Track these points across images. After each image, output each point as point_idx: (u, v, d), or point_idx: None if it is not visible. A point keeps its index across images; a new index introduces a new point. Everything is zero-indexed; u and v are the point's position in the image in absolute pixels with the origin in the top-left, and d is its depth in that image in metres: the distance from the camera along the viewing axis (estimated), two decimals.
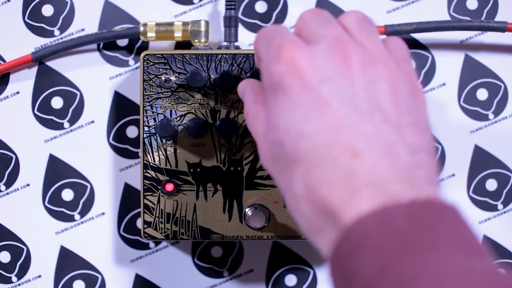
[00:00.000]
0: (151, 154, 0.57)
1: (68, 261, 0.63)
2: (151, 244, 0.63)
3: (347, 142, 0.38)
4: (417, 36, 0.62)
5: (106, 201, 0.63)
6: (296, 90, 0.40)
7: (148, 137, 0.57)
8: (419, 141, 0.40)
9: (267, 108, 0.43)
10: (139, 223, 0.63)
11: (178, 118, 0.57)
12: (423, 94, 0.43)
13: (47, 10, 0.62)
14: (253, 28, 0.63)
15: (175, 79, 0.57)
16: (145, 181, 0.57)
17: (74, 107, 0.63)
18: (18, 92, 0.63)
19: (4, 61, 0.62)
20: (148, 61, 0.57)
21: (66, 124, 0.63)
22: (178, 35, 0.59)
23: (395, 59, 0.43)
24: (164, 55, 0.57)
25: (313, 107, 0.39)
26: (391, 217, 0.36)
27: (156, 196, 0.57)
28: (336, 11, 0.62)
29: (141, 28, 0.59)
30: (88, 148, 0.63)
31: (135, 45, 0.63)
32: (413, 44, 0.63)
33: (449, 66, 0.63)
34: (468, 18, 0.62)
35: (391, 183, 0.37)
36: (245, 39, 0.62)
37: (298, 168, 0.39)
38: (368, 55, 0.41)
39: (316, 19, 0.43)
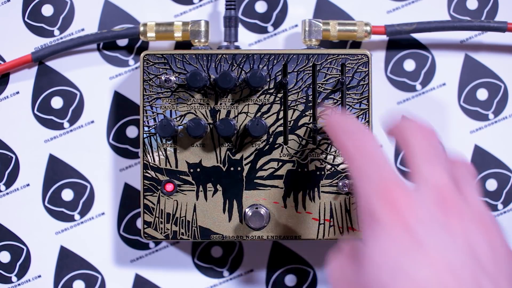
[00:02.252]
0: (151, 154, 0.57)
1: (68, 261, 0.63)
2: (151, 244, 0.63)
3: (444, 281, 0.39)
4: (417, 36, 0.62)
5: (106, 201, 0.63)
6: (398, 230, 0.41)
7: (148, 137, 0.57)
8: None
9: (363, 240, 0.43)
10: (139, 223, 0.63)
11: (178, 118, 0.57)
12: None
13: (47, 10, 0.62)
14: (253, 28, 0.63)
15: (175, 79, 0.57)
16: (145, 181, 0.57)
17: (74, 107, 0.63)
18: (18, 92, 0.63)
19: (4, 61, 0.62)
20: (148, 61, 0.57)
21: (66, 124, 0.63)
22: (178, 35, 0.59)
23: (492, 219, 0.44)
24: (164, 55, 0.57)
25: (413, 246, 0.41)
26: None
27: (156, 196, 0.57)
28: (336, 11, 0.62)
29: (141, 28, 0.59)
30: (88, 148, 0.63)
31: (135, 45, 0.63)
32: (413, 44, 0.62)
33: (449, 66, 0.63)
34: (468, 18, 0.62)
35: None
36: (245, 39, 0.62)
37: None
38: (468, 210, 0.43)
39: (426, 152, 0.45)
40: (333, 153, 0.57)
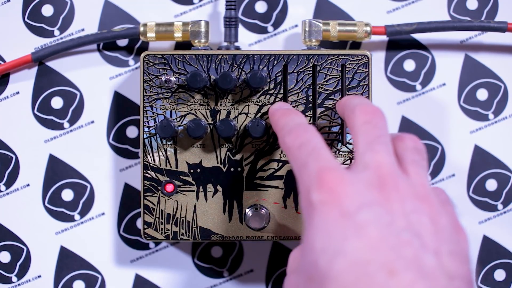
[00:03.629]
0: (151, 155, 0.57)
1: (68, 261, 0.63)
2: (151, 244, 0.63)
3: (384, 260, 0.39)
4: (417, 36, 0.62)
5: (106, 201, 0.63)
6: (335, 215, 0.41)
7: (148, 138, 0.57)
8: (457, 269, 0.41)
9: (303, 230, 0.43)
10: (139, 223, 0.63)
11: (178, 119, 0.57)
12: (464, 231, 0.44)
13: (47, 10, 0.62)
14: (253, 28, 0.62)
15: (175, 79, 0.57)
16: (145, 181, 0.57)
17: (74, 107, 0.63)
18: (18, 92, 0.63)
19: (4, 61, 0.62)
20: (148, 62, 0.57)
21: (66, 124, 0.63)
22: (178, 35, 0.59)
23: (439, 199, 0.44)
24: (164, 56, 0.57)
25: (351, 229, 0.40)
26: None
27: (156, 196, 0.57)
28: (336, 11, 0.62)
29: (141, 28, 0.59)
30: (88, 148, 0.63)
31: (135, 45, 0.63)
32: (413, 44, 0.62)
33: (449, 66, 0.63)
34: (468, 18, 0.62)
35: None
36: (245, 39, 0.62)
37: (331, 286, 0.39)
38: (410, 189, 0.43)
39: (368, 134, 0.45)
40: (332, 153, 0.57)
